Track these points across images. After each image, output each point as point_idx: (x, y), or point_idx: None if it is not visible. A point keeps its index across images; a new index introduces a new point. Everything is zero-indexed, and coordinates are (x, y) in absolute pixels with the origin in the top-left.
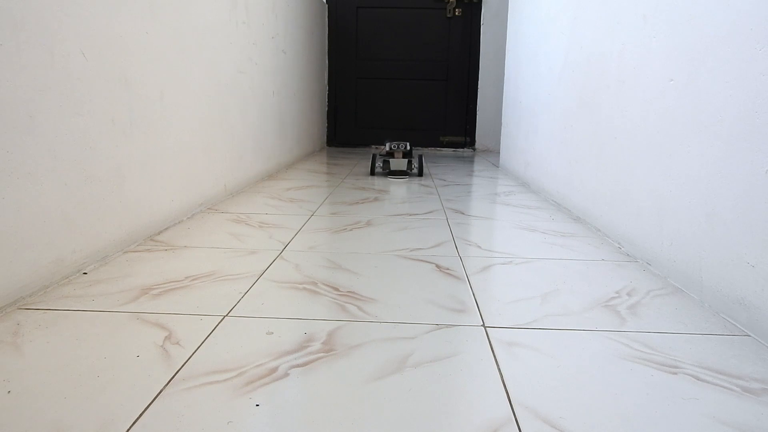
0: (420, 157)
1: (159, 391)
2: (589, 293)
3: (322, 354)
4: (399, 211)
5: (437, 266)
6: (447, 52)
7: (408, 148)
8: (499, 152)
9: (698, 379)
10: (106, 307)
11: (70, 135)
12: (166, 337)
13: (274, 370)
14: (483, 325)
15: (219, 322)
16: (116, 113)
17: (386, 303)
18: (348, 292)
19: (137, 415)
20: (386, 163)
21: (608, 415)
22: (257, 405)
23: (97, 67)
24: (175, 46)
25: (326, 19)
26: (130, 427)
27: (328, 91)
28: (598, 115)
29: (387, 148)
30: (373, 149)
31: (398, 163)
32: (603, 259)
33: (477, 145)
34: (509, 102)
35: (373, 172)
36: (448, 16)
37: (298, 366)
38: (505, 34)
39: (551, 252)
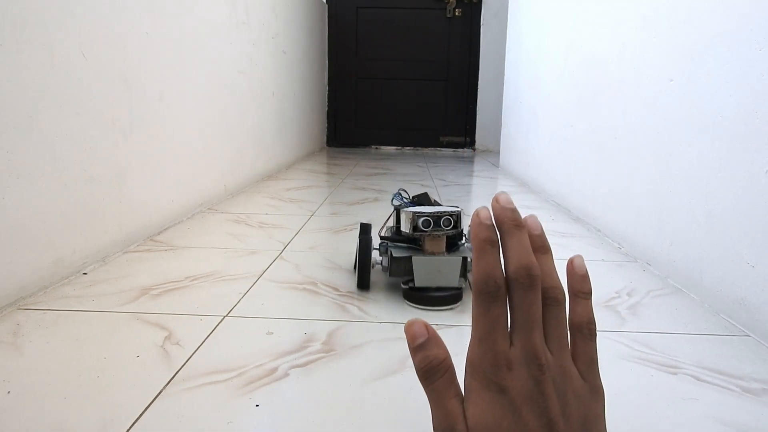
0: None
1: (159, 391)
2: None
3: (322, 354)
4: None
5: None
6: (447, 52)
7: (458, 219)
8: (499, 152)
9: (698, 379)
10: (106, 307)
11: (70, 135)
12: (166, 337)
13: (274, 370)
14: None
15: (219, 323)
16: (116, 113)
17: (386, 303)
18: (348, 292)
19: (137, 415)
20: (404, 263)
21: (607, 416)
22: (257, 405)
23: (97, 67)
24: (175, 46)
25: (326, 19)
26: (130, 427)
27: (328, 91)
28: (598, 115)
29: (409, 222)
30: (373, 150)
31: (439, 265)
32: (603, 259)
33: (477, 145)
34: (509, 102)
35: (364, 284)
36: (448, 16)
37: (298, 366)
38: (505, 34)
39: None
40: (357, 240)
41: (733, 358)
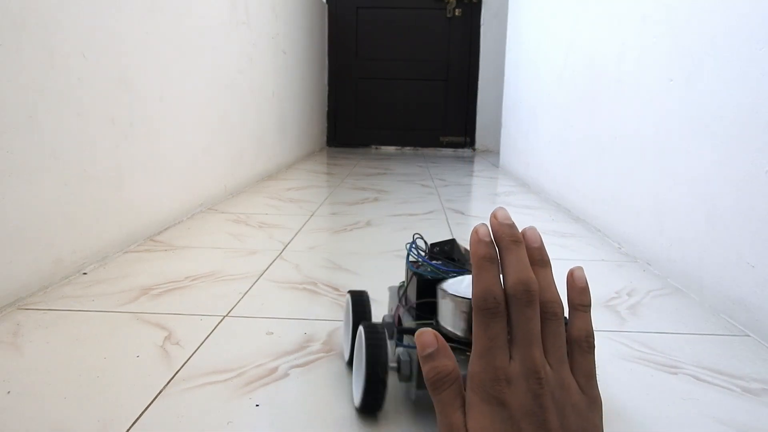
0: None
1: (159, 391)
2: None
3: (322, 354)
4: (399, 211)
5: None
6: (447, 52)
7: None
8: (499, 152)
9: (698, 379)
10: (106, 307)
11: (70, 135)
12: (166, 337)
13: (274, 370)
14: None
15: (219, 322)
16: (116, 113)
17: (386, 303)
18: (348, 292)
19: (137, 415)
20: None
21: (608, 415)
22: (257, 405)
23: (97, 67)
24: (175, 46)
25: (326, 19)
26: (130, 427)
27: (328, 91)
28: (598, 115)
29: (462, 317)
30: (373, 150)
31: None
32: (603, 260)
33: (477, 145)
34: (509, 102)
35: (376, 405)
36: (448, 16)
37: (298, 366)
38: (505, 34)
39: (551, 252)
40: (346, 319)
41: (733, 358)
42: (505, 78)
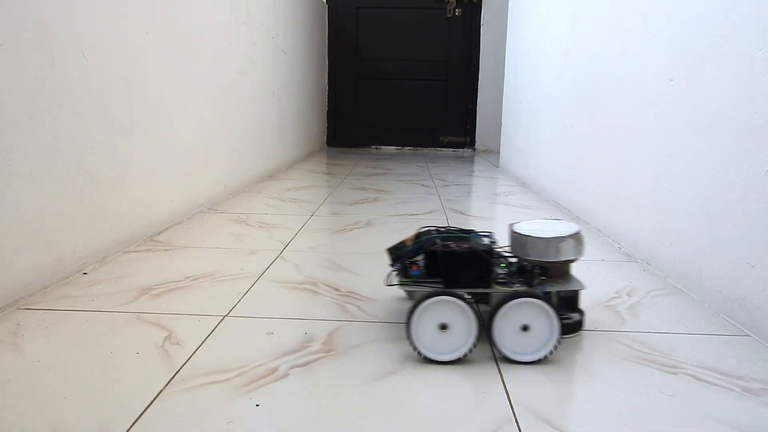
0: None
1: (159, 391)
2: (588, 293)
3: (322, 354)
4: (399, 211)
5: None
6: (447, 52)
7: None
8: (499, 152)
9: (698, 379)
10: (106, 307)
11: (70, 135)
12: (166, 337)
13: (274, 370)
14: (483, 325)
15: (219, 322)
16: (116, 113)
17: (386, 303)
18: (348, 292)
19: (137, 415)
20: None
21: (608, 415)
22: (257, 405)
23: (97, 67)
24: (175, 46)
25: (326, 19)
26: (130, 427)
27: (328, 91)
28: (598, 115)
29: None
30: (373, 150)
31: None
32: (603, 259)
33: (477, 145)
34: (509, 102)
35: None
36: (448, 16)
37: (298, 366)
38: (505, 34)
39: None
40: None
41: (733, 358)
42: (505, 78)
